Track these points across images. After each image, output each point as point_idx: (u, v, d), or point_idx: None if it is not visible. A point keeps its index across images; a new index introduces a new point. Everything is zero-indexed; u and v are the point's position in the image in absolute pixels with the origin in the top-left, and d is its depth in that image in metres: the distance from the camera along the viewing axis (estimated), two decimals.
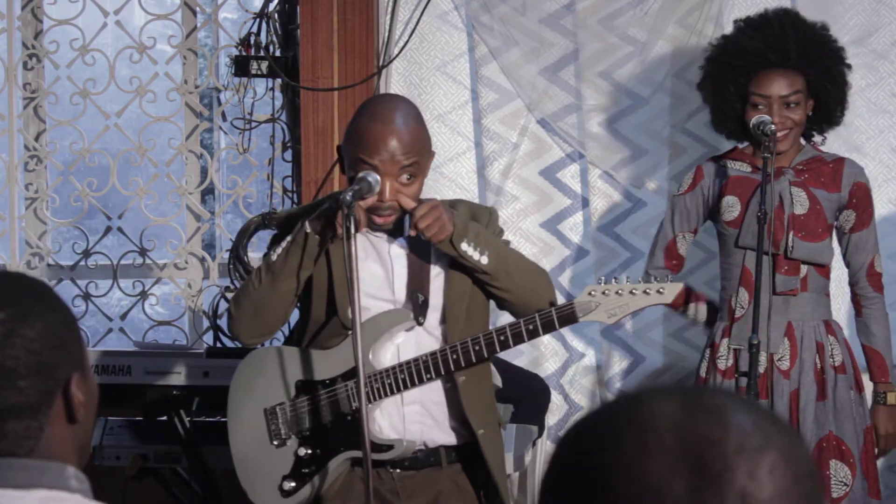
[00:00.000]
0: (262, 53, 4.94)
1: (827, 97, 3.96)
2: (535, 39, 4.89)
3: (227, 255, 4.88)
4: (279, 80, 5.00)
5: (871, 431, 3.96)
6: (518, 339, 3.15)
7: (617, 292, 3.16)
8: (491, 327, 3.24)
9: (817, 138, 4.10)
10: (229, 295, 4.79)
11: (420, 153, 3.12)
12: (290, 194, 5.06)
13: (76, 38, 5.19)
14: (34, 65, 5.27)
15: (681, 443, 1.05)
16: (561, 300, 4.65)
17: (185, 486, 4.43)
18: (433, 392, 3.24)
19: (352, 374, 3.20)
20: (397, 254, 3.22)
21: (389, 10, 4.92)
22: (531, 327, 3.14)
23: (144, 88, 5.16)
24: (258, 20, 4.97)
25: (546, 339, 4.80)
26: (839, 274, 4.17)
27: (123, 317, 5.26)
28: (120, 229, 5.27)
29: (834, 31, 4.10)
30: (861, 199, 4.00)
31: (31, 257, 5.30)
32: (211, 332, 5.13)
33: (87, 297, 5.26)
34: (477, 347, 3.15)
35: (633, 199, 4.91)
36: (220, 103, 5.21)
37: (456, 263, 3.17)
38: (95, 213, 5.31)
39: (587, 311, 3.15)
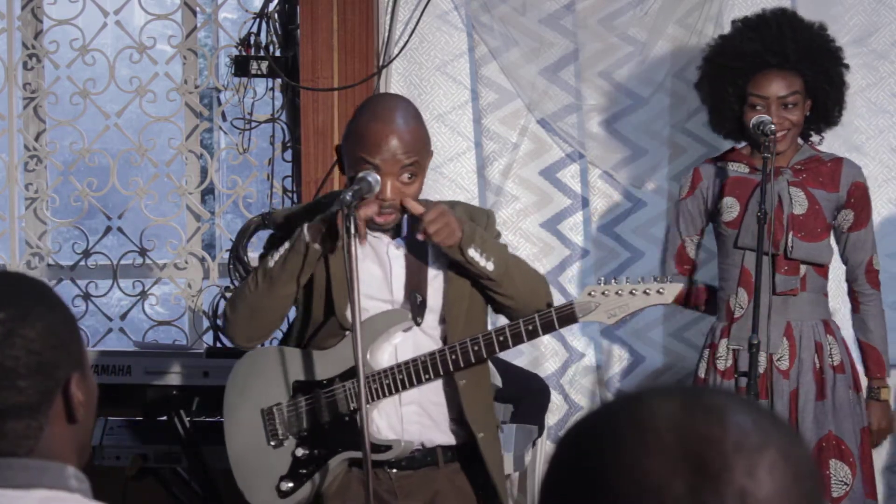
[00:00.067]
0: (262, 53, 4.94)
1: (825, 98, 3.96)
2: (535, 39, 4.89)
3: (227, 255, 4.89)
4: (279, 80, 5.00)
5: (867, 432, 3.97)
6: (517, 340, 3.15)
7: (617, 292, 3.16)
8: (490, 328, 3.24)
9: (815, 138, 4.10)
10: (229, 295, 4.79)
11: (420, 153, 3.12)
12: (290, 194, 5.06)
13: (76, 38, 5.19)
14: (34, 65, 5.27)
15: (680, 442, 1.05)
16: (560, 300, 4.66)
17: (185, 486, 4.43)
18: (431, 392, 3.24)
19: (350, 374, 3.20)
20: (395, 254, 3.22)
21: (389, 10, 4.92)
22: (531, 328, 3.14)
23: (144, 88, 5.16)
24: (258, 20, 4.97)
25: (546, 339, 4.80)
26: (839, 274, 4.17)
27: (123, 317, 5.26)
28: (120, 229, 5.27)
29: (834, 31, 4.10)
30: (859, 198, 4.00)
31: (31, 257, 5.30)
32: (211, 332, 5.13)
33: (87, 297, 5.26)
34: (476, 348, 3.15)
35: (633, 199, 4.91)
36: (220, 103, 5.21)
37: (454, 265, 3.17)
38: (95, 213, 5.31)
39: (587, 311, 3.15)
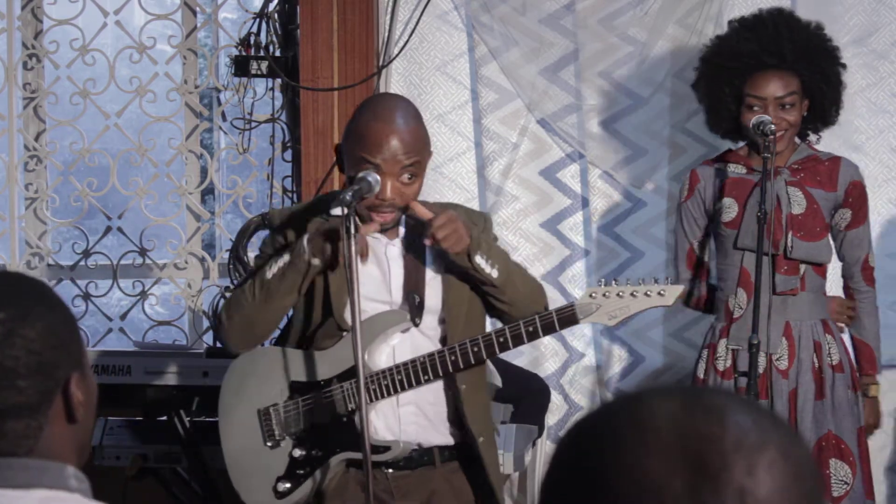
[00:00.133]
0: (262, 53, 4.94)
1: (822, 97, 3.96)
2: (535, 39, 4.89)
3: (227, 255, 4.89)
4: (279, 80, 5.00)
5: (864, 432, 3.97)
6: (518, 341, 3.15)
7: (618, 294, 3.15)
8: (489, 329, 3.24)
9: (812, 137, 4.10)
10: (226, 296, 4.79)
11: (420, 153, 3.12)
12: (290, 194, 5.06)
13: (76, 38, 5.19)
14: (34, 65, 5.27)
15: (680, 442, 1.05)
16: (560, 300, 4.66)
17: (185, 486, 4.43)
18: (428, 393, 3.23)
19: (348, 375, 3.20)
20: (394, 255, 3.22)
21: (389, 10, 4.92)
22: (531, 329, 3.14)
23: (144, 88, 5.16)
24: (258, 20, 4.97)
25: (546, 340, 4.80)
26: (837, 274, 4.18)
27: (123, 317, 5.26)
28: (120, 229, 5.27)
29: (834, 31, 4.09)
30: (857, 197, 4.01)
31: (31, 257, 5.30)
32: (211, 332, 5.13)
33: (87, 297, 5.26)
34: (476, 349, 3.15)
35: (633, 199, 4.91)
36: (220, 103, 5.21)
37: (455, 268, 3.17)
38: (95, 213, 5.31)
39: (588, 313, 3.15)
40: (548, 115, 4.92)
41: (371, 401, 3.16)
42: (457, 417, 3.24)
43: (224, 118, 5.17)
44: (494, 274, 3.14)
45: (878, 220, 4.69)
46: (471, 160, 4.99)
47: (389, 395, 3.18)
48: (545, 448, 4.71)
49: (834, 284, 4.18)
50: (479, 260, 3.11)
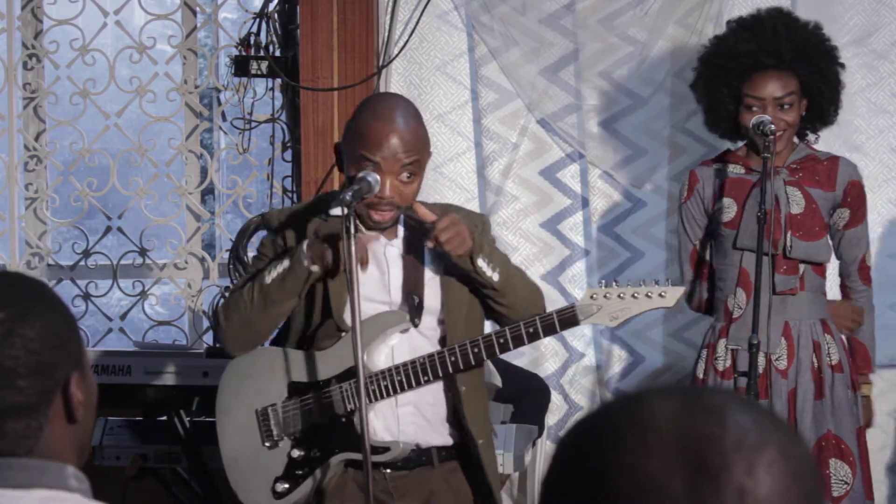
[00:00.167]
0: (262, 53, 4.94)
1: (821, 97, 3.96)
2: (535, 39, 4.89)
3: (226, 255, 4.89)
4: (279, 80, 5.00)
5: (863, 432, 3.97)
6: (518, 342, 3.15)
7: (619, 296, 3.15)
8: (488, 330, 3.24)
9: (811, 137, 4.10)
10: (224, 297, 4.79)
11: (420, 152, 3.12)
12: (289, 194, 5.06)
13: (76, 38, 5.19)
14: (34, 65, 5.27)
15: (680, 442, 1.05)
16: (560, 300, 4.66)
17: (185, 486, 4.43)
18: (427, 393, 3.23)
19: (346, 375, 3.20)
20: (393, 256, 3.22)
21: (389, 10, 4.92)
22: (531, 330, 3.14)
23: (144, 88, 5.16)
24: (258, 20, 4.97)
25: (546, 340, 4.79)
26: (837, 274, 4.18)
27: (123, 317, 5.26)
28: (120, 229, 5.27)
29: (834, 31, 4.09)
30: (856, 197, 4.01)
31: (31, 257, 5.30)
32: (211, 332, 5.13)
33: (86, 297, 5.26)
34: (476, 350, 3.15)
35: (633, 199, 4.91)
36: (220, 103, 5.21)
37: (455, 270, 3.17)
38: (95, 213, 5.31)
39: (588, 314, 3.15)
40: (548, 115, 4.92)
41: (370, 401, 3.16)
42: (455, 419, 3.24)
43: (224, 118, 5.17)
44: (495, 277, 3.14)
45: (879, 221, 4.70)
46: (471, 160, 5.00)
47: (389, 395, 3.18)
48: (545, 448, 4.71)
49: (833, 284, 4.18)
50: (480, 263, 3.11)
